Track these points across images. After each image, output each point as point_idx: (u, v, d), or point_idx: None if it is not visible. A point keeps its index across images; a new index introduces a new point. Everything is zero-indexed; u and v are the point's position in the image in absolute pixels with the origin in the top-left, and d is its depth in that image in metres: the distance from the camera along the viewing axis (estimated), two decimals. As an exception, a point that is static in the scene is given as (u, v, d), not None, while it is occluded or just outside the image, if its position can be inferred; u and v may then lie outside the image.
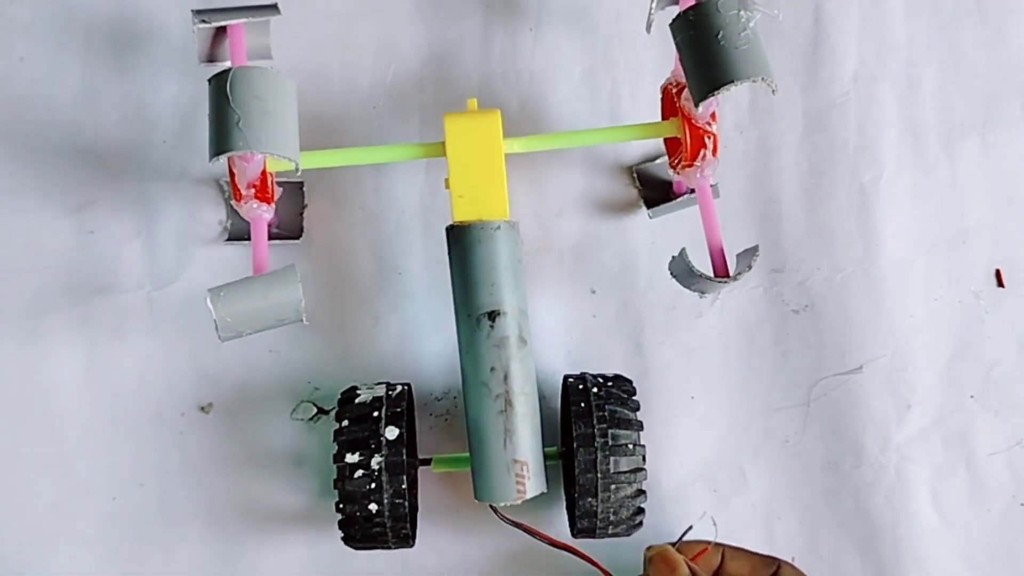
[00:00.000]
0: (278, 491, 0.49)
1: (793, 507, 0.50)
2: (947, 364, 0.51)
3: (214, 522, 0.49)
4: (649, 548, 0.45)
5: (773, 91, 0.40)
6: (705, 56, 0.40)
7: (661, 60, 0.53)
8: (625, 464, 0.43)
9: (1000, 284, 0.52)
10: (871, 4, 0.54)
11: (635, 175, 0.52)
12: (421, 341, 0.50)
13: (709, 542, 0.45)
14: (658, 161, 0.52)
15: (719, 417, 0.51)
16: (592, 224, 0.52)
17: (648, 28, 0.46)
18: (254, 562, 0.48)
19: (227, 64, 0.47)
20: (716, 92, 0.40)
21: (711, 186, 0.46)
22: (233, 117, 0.40)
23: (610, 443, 0.43)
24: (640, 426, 0.44)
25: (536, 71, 0.53)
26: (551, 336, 0.51)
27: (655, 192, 0.52)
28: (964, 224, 0.53)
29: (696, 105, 0.41)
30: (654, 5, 0.45)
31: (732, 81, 0.39)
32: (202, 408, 0.50)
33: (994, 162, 0.53)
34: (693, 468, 0.50)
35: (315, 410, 0.50)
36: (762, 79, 0.39)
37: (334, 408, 0.47)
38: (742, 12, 0.40)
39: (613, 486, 0.43)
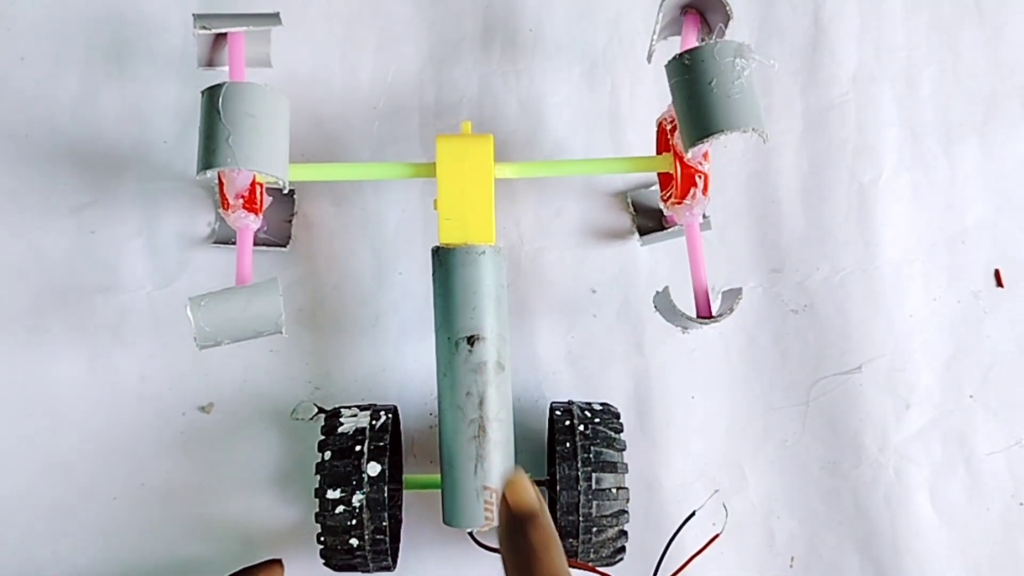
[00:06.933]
0: (278, 491, 0.49)
1: (792, 507, 0.50)
2: (946, 364, 0.51)
3: (214, 522, 0.49)
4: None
5: (764, 141, 0.40)
6: (697, 102, 0.40)
7: (661, 60, 0.53)
8: (608, 508, 0.42)
9: (999, 284, 0.52)
10: (871, 4, 0.54)
11: (630, 201, 0.52)
12: (421, 341, 0.50)
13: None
14: (652, 188, 0.52)
15: (719, 417, 0.51)
16: (592, 223, 0.52)
17: (649, 58, 0.46)
18: (255, 560, 0.48)
19: (225, 69, 0.46)
20: (705, 140, 0.39)
21: (703, 217, 0.45)
22: (223, 133, 0.40)
23: (594, 487, 0.42)
24: (625, 468, 0.43)
25: (536, 71, 0.53)
26: (551, 336, 0.51)
27: (649, 220, 0.51)
28: (963, 224, 0.53)
29: (685, 151, 0.41)
30: (656, 35, 0.45)
31: (722, 130, 0.39)
32: (202, 408, 0.50)
33: (993, 162, 0.53)
34: (693, 468, 0.50)
35: (315, 410, 0.50)
36: (753, 129, 0.39)
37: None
38: (738, 60, 0.40)
39: (595, 528, 0.42)
